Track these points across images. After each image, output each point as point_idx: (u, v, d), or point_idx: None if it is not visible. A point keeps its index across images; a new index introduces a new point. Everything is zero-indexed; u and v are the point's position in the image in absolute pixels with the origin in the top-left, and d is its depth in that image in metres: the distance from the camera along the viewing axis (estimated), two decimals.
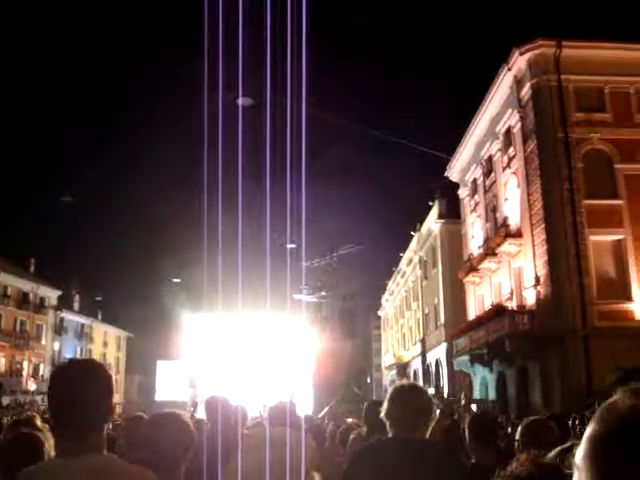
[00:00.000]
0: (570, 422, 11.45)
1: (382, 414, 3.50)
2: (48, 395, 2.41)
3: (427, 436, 3.55)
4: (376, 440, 3.73)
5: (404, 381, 3.77)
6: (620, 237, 27.39)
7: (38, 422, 4.84)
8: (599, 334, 25.43)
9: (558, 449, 2.65)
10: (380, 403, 5.61)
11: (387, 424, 3.46)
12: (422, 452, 3.28)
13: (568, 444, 2.81)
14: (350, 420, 11.21)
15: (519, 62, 29.38)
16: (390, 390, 3.60)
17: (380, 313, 76.07)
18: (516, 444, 3.49)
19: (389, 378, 64.75)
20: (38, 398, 57.05)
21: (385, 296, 71.31)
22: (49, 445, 3.85)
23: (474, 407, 30.38)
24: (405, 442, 3.32)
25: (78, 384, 2.32)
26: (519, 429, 3.55)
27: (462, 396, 34.42)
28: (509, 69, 30.16)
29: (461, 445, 5.02)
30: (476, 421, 4.65)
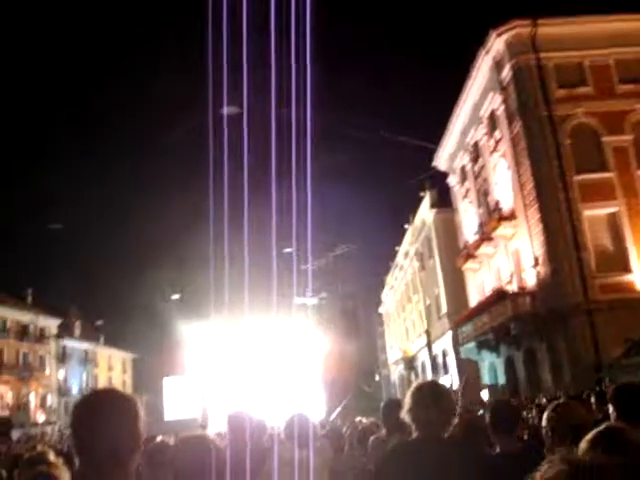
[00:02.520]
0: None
1: (405, 414, 3.38)
2: (73, 426, 2.26)
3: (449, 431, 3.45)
4: (404, 441, 3.61)
5: (424, 380, 3.67)
6: (614, 209, 27.34)
7: (51, 457, 4.70)
8: (602, 307, 25.38)
9: (594, 432, 2.53)
10: (398, 402, 5.49)
11: (411, 424, 3.34)
12: (450, 451, 3.17)
13: (603, 427, 2.70)
14: (360, 419, 11.08)
15: (497, 44, 29.34)
16: (411, 390, 3.49)
17: (381, 310, 75.96)
18: (544, 430, 3.36)
19: (397, 373, 64.65)
20: (48, 429, 56.91)
21: (385, 292, 71.20)
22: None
23: (484, 393, 30.33)
24: (433, 442, 3.21)
25: (103, 416, 2.19)
26: (545, 415, 3.42)
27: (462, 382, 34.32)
28: (487, 52, 30.12)
29: (483, 437, 4.91)
30: (496, 411, 4.54)
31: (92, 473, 2.18)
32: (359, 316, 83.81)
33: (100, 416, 2.19)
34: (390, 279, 66.60)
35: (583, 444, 2.38)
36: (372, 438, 5.99)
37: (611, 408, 3.95)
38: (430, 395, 3.37)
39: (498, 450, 4.25)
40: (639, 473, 1.56)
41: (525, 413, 13.50)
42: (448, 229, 42.18)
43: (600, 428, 2.46)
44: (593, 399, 8.30)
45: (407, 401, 3.47)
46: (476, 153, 35.29)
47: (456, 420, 3.34)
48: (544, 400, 17.59)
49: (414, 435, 3.36)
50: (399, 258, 59.59)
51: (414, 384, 3.59)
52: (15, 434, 45.80)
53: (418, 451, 3.23)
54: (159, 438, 5.53)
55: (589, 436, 2.44)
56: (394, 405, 5.44)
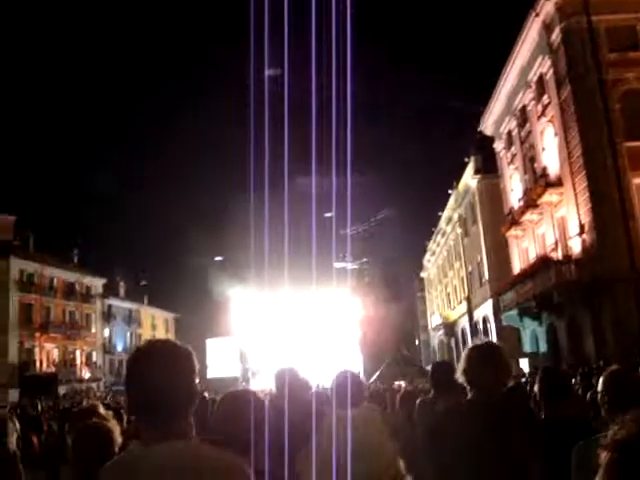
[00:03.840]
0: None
1: (459, 376, 3.40)
2: (126, 381, 2.22)
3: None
4: (458, 402, 3.63)
5: (479, 341, 3.66)
6: None
7: (101, 410, 4.84)
8: None
9: None
10: (449, 364, 5.52)
11: (466, 386, 3.36)
12: (507, 411, 3.18)
13: None
14: (399, 383, 11.14)
15: (547, 6, 28.64)
16: (467, 351, 3.50)
17: (423, 274, 75.73)
18: (599, 397, 3.35)
19: (437, 339, 64.67)
20: (94, 385, 58.39)
21: (426, 257, 70.91)
22: (117, 434, 3.83)
23: (524, 361, 30.19)
24: (488, 403, 3.23)
25: (159, 367, 2.14)
26: (601, 381, 3.40)
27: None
28: (537, 15, 29.42)
29: (527, 401, 4.93)
30: (547, 377, 4.52)
31: (152, 427, 2.15)
32: (400, 281, 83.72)
33: (157, 367, 2.14)
34: (432, 245, 66.26)
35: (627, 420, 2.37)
36: (419, 400, 6.03)
37: None
38: (486, 356, 3.37)
39: (543, 416, 4.25)
40: None
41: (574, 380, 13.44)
42: (492, 195, 41.71)
43: None
44: None
45: (462, 362, 3.47)
46: (523, 118, 34.69)
47: (511, 382, 3.34)
48: (586, 369, 17.48)
49: (469, 396, 3.38)
50: (442, 224, 59.19)
51: (470, 345, 3.59)
52: (61, 390, 47.14)
53: (473, 411, 3.26)
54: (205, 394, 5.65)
55: (633, 413, 2.42)
56: (444, 367, 5.47)
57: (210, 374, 45.94)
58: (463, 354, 3.50)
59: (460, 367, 3.42)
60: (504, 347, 3.70)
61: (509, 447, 3.15)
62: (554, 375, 4.45)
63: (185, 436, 2.15)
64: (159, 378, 2.13)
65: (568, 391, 4.37)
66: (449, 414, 3.50)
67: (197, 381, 2.30)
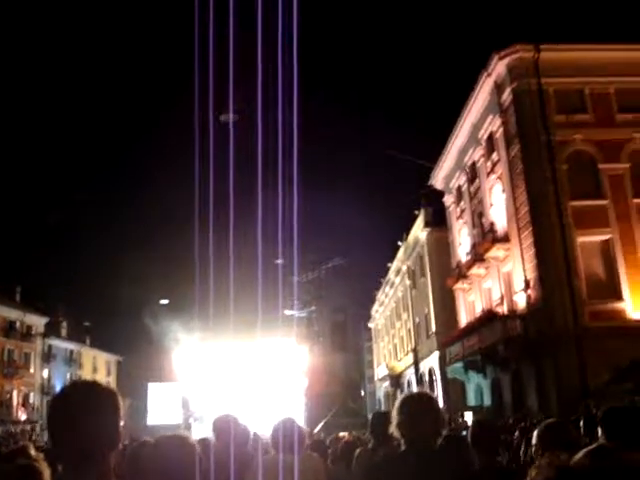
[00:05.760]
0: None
1: (394, 425, 3.34)
2: (49, 422, 2.17)
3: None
4: (392, 452, 3.58)
5: (412, 391, 3.63)
6: (607, 237, 27.40)
7: (32, 452, 4.63)
8: (592, 334, 25.34)
9: (585, 450, 2.50)
10: (386, 414, 5.46)
11: (400, 435, 3.30)
12: (439, 463, 3.13)
13: (594, 445, 2.67)
14: (343, 434, 11.02)
15: (499, 67, 29.47)
16: (400, 399, 3.44)
17: (370, 325, 75.86)
18: (534, 448, 3.34)
19: (383, 390, 64.49)
20: (29, 427, 56.48)
21: (375, 307, 71.15)
22: (46, 476, 3.67)
23: (469, 414, 30.25)
24: (422, 453, 3.17)
25: (81, 409, 2.09)
26: (536, 432, 3.40)
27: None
28: (489, 75, 30.24)
29: (464, 453, 4.93)
30: (478, 428, 4.62)
31: (68, 469, 2.11)
32: (348, 330, 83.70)
33: (78, 409, 2.10)
34: (380, 295, 66.55)
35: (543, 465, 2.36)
36: (358, 450, 5.95)
37: (600, 430, 3.96)
38: (419, 407, 3.32)
39: (477, 467, 4.28)
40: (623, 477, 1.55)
41: (508, 436, 13.47)
42: (441, 248, 42.20)
43: (592, 446, 2.44)
44: (581, 423, 8.27)
45: (395, 414, 3.41)
46: (473, 174, 35.37)
47: (444, 432, 3.30)
48: (528, 423, 17.56)
49: (402, 447, 3.32)
50: (390, 275, 59.59)
51: (401, 396, 3.54)
52: None
53: (407, 463, 3.19)
54: (145, 438, 5.46)
55: (580, 454, 2.41)
56: (383, 417, 5.41)
57: (150, 420, 44.92)
58: (396, 405, 3.43)
59: (394, 419, 3.36)
60: (437, 397, 3.68)
61: None
62: (484, 427, 4.52)
63: (105, 478, 2.07)
64: (79, 419, 2.08)
65: (496, 443, 4.40)
66: (385, 464, 3.44)
67: (121, 423, 2.23)
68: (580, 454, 2.44)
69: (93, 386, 2.25)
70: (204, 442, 5.41)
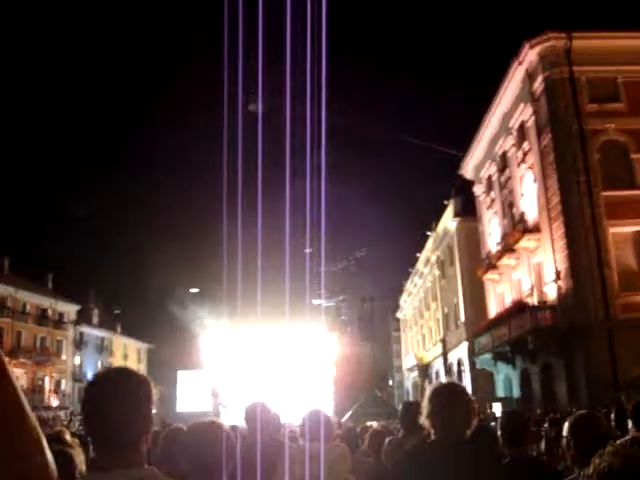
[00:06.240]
0: None
1: (424, 415, 3.34)
2: (82, 409, 2.23)
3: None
4: (422, 442, 3.58)
5: (443, 381, 3.64)
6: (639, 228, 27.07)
7: (67, 437, 4.71)
8: (623, 326, 25.13)
9: (622, 440, 2.50)
10: (417, 404, 5.47)
11: (430, 426, 3.30)
12: (469, 454, 3.13)
13: (628, 437, 2.67)
14: (371, 424, 11.03)
15: (530, 56, 29.15)
16: (430, 390, 3.45)
17: (399, 315, 75.76)
18: (564, 440, 3.33)
19: (411, 380, 64.44)
20: (61, 413, 57.31)
21: (403, 297, 71.02)
22: (80, 461, 3.73)
23: (497, 406, 30.13)
24: (451, 444, 3.17)
25: (113, 397, 2.13)
26: (567, 423, 3.39)
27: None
28: (520, 63, 29.94)
29: (493, 444, 4.94)
30: (507, 419, 4.63)
31: (101, 455, 2.16)
32: (375, 320, 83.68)
33: (111, 397, 2.14)
34: (409, 285, 66.42)
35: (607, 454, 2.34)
36: (387, 440, 5.96)
37: (630, 423, 3.94)
38: (450, 397, 3.33)
39: (508, 459, 4.29)
40: None
41: (538, 427, 13.39)
42: (470, 238, 41.99)
43: (626, 437, 2.43)
44: (613, 415, 8.21)
45: (425, 404, 3.42)
46: (503, 163, 35.09)
47: (475, 422, 3.30)
48: (558, 415, 17.45)
49: (432, 437, 3.32)
50: (419, 265, 59.42)
51: (431, 387, 3.55)
52: None
53: (436, 453, 3.20)
54: (177, 424, 5.52)
55: (612, 446, 2.40)
56: (412, 407, 5.42)
57: (180, 407, 45.33)
58: (426, 395, 3.43)
59: (424, 409, 3.36)
60: (466, 388, 3.68)
61: None
62: (514, 418, 4.53)
63: (139, 464, 2.13)
64: (112, 406, 2.13)
65: (527, 435, 4.41)
66: (415, 454, 3.44)
67: (154, 410, 2.27)
68: (612, 447, 2.42)
69: (125, 373, 2.30)
70: (234, 429, 5.46)
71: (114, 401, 2.13)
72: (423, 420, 3.38)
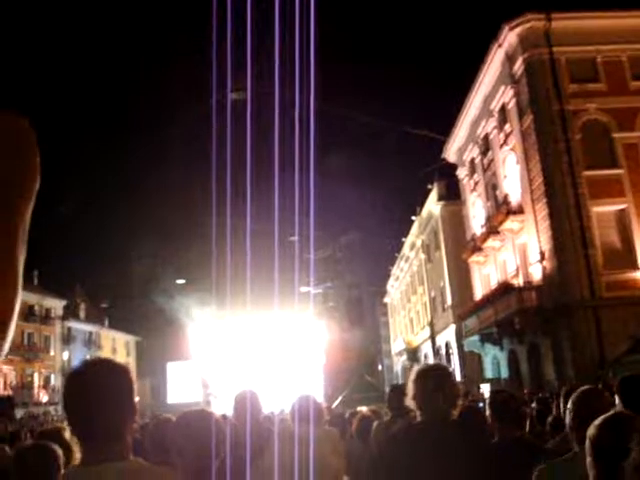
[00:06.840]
0: None
1: (409, 397, 3.39)
2: (64, 404, 2.19)
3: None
4: (408, 424, 3.63)
5: (427, 362, 3.68)
6: (623, 206, 27.26)
7: (66, 434, 4.66)
8: (608, 304, 25.36)
9: (602, 417, 2.53)
10: (403, 387, 5.53)
11: (416, 407, 3.35)
12: (455, 434, 3.18)
13: (610, 413, 2.70)
14: (361, 409, 11.11)
15: (509, 37, 29.19)
16: (415, 372, 3.49)
17: (386, 300, 75.93)
18: (568, 415, 3.36)
19: (400, 364, 64.71)
20: (51, 409, 57.19)
21: (390, 282, 71.16)
22: (74, 457, 3.71)
23: (486, 387, 30.36)
24: (437, 425, 3.22)
25: (94, 390, 2.10)
26: (570, 400, 3.42)
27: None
28: (500, 45, 29.98)
29: (482, 424, 4.96)
30: (496, 399, 4.61)
31: (86, 449, 2.13)
32: (364, 306, 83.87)
33: (91, 388, 2.11)
34: (396, 270, 66.55)
35: (591, 429, 2.38)
36: (375, 423, 6.03)
37: (617, 399, 3.98)
38: (433, 378, 3.37)
39: (496, 439, 4.30)
40: None
41: (525, 407, 13.49)
42: (455, 222, 42.13)
43: (609, 414, 2.47)
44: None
45: (410, 386, 3.45)
46: (486, 146, 35.19)
47: (460, 402, 3.34)
48: (548, 394, 17.61)
49: (418, 419, 3.37)
50: (405, 249, 59.55)
51: (416, 368, 3.58)
52: (18, 413, 46.09)
53: (423, 434, 3.25)
54: (167, 415, 5.53)
55: (597, 421, 2.43)
56: (399, 389, 5.47)
57: (170, 399, 45.43)
58: (410, 377, 3.47)
59: (409, 391, 3.40)
60: (453, 370, 3.72)
61: (462, 467, 3.15)
62: (502, 398, 4.52)
63: (124, 456, 2.11)
64: (93, 398, 2.09)
65: (516, 414, 4.41)
66: (401, 436, 3.49)
67: (135, 399, 2.26)
68: (597, 421, 2.46)
69: (105, 364, 2.26)
70: (224, 418, 5.50)
71: (95, 393, 2.10)
72: (409, 402, 3.41)
